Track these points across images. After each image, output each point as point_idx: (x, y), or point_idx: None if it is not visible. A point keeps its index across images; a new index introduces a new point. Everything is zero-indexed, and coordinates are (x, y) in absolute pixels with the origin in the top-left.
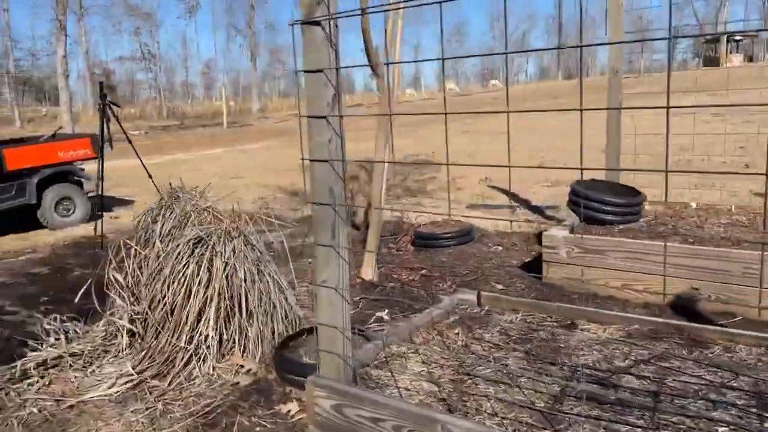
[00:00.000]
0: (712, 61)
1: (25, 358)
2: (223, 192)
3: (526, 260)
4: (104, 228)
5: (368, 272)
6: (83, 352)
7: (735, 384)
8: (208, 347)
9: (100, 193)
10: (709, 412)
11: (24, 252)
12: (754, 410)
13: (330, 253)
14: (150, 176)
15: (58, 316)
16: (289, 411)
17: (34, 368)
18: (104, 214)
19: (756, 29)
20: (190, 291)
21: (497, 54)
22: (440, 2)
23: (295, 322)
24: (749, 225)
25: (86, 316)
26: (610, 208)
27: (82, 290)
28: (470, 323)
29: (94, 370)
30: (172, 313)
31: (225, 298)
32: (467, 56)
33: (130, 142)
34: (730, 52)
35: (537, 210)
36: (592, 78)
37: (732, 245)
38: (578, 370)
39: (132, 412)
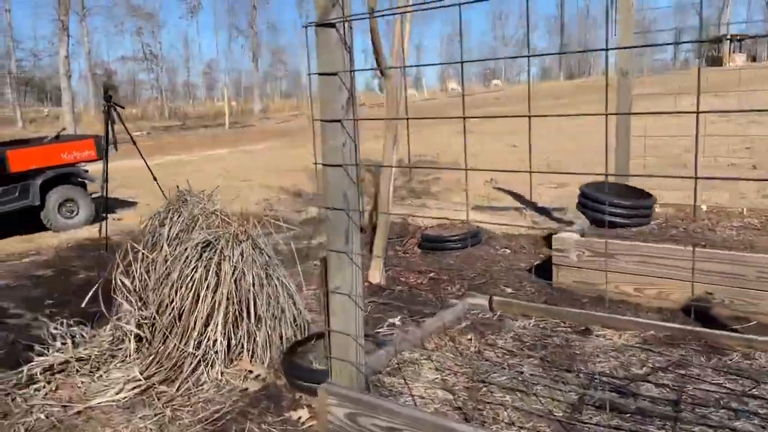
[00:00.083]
0: (715, 61)
1: (32, 363)
2: (227, 193)
3: (535, 263)
4: (108, 230)
5: (376, 275)
6: (90, 356)
7: (756, 392)
8: (216, 352)
9: (104, 194)
10: (731, 421)
11: (28, 254)
12: None
13: (343, 259)
14: (155, 178)
15: (65, 321)
16: (299, 418)
17: (40, 373)
18: (108, 215)
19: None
20: (198, 295)
21: (521, 57)
22: (459, 4)
23: (304, 326)
24: (762, 228)
25: (92, 320)
26: (620, 211)
27: (90, 294)
28: (482, 329)
29: (101, 375)
30: (180, 318)
31: (233, 302)
32: (490, 59)
33: (134, 143)
34: (733, 52)
35: (544, 212)
36: (593, 78)
37: (746, 249)
38: (595, 378)
39: (140, 418)
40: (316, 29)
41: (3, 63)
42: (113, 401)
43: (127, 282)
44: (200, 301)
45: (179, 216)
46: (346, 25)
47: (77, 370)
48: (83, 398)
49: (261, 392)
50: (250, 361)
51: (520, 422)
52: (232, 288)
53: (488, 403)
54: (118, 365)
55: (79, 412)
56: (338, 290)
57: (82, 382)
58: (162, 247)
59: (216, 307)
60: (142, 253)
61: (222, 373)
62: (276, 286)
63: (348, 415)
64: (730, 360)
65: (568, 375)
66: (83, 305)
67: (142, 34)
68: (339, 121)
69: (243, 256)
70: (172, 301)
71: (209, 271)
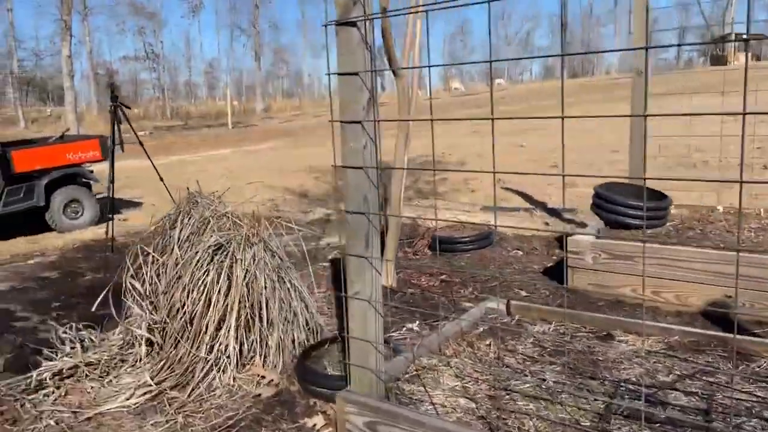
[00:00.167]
0: (718, 60)
1: (41, 368)
2: (231, 193)
3: (548, 265)
4: (114, 230)
5: (387, 278)
6: (100, 361)
7: None
8: (228, 357)
9: (110, 195)
10: (765, 431)
11: (33, 255)
12: None
13: (363, 264)
14: (161, 179)
15: (74, 324)
16: (314, 425)
17: (49, 378)
18: (113, 216)
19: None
20: (210, 299)
21: (551, 56)
22: (488, 1)
23: (316, 330)
24: None
25: (101, 324)
26: (636, 212)
27: (100, 298)
28: (501, 334)
29: (111, 381)
30: (191, 322)
31: (245, 306)
32: (519, 58)
33: (141, 144)
34: (737, 51)
35: (554, 213)
36: (596, 78)
37: (766, 251)
38: (621, 386)
39: (152, 425)
40: (337, 28)
41: (5, 63)
42: (124, 407)
43: (138, 285)
44: (212, 305)
45: (190, 218)
46: (367, 23)
47: (87, 375)
48: (93, 404)
49: (274, 398)
50: (263, 366)
51: None
52: (244, 291)
53: (512, 412)
54: (128, 370)
55: (89, 418)
56: (358, 296)
57: (92, 387)
58: (173, 249)
59: (228, 311)
60: (153, 256)
61: (234, 379)
62: (288, 289)
63: (368, 424)
64: (758, 367)
65: (592, 382)
66: (94, 309)
67: (144, 33)
68: (359, 122)
69: (255, 259)
70: (184, 304)
71: (221, 274)
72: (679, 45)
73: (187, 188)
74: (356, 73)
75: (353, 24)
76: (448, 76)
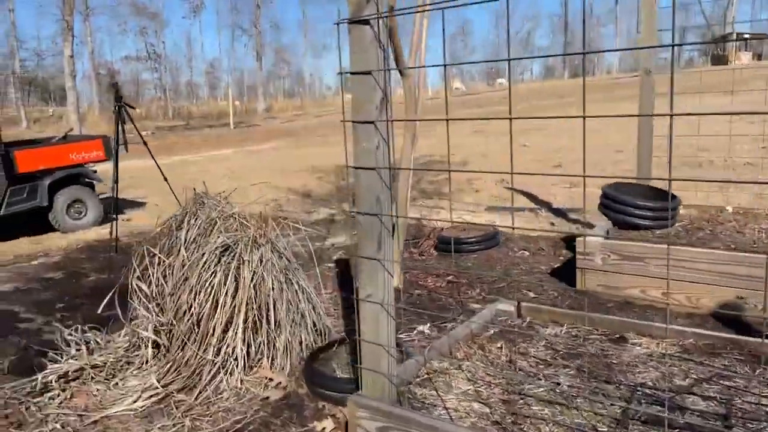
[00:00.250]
0: (720, 60)
1: (46, 371)
2: (236, 194)
3: (555, 266)
4: (118, 231)
5: (393, 279)
6: (105, 363)
7: None
8: (235, 360)
9: (114, 195)
10: None
11: (36, 256)
12: None
13: (376, 267)
14: (165, 179)
15: (79, 326)
16: (324, 429)
17: (55, 381)
18: (117, 216)
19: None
20: (217, 301)
21: (573, 54)
22: None
23: (324, 332)
24: None
25: (107, 325)
26: (645, 213)
27: (106, 299)
28: (512, 336)
29: (117, 383)
30: (198, 324)
31: (252, 308)
32: (540, 56)
33: (145, 144)
34: (738, 50)
35: (559, 213)
36: (598, 77)
37: None
38: (638, 390)
39: (159, 428)
40: (349, 26)
41: (7, 63)
42: (130, 410)
43: (144, 287)
44: (219, 306)
45: (196, 219)
46: (380, 21)
47: (92, 378)
48: (99, 407)
49: (282, 401)
50: (271, 369)
51: None
52: (252, 293)
53: (527, 417)
54: (134, 372)
55: (95, 422)
56: (370, 298)
57: (98, 390)
58: (179, 251)
59: (235, 312)
60: (159, 258)
61: (242, 381)
62: (296, 290)
63: (380, 429)
64: None
65: (608, 386)
66: (99, 311)
67: (146, 33)
68: (372, 122)
69: (262, 261)
70: (191, 306)
71: (228, 276)
72: (693, 43)
73: (194, 189)
74: (369, 72)
75: (366, 22)
76: (449, 76)
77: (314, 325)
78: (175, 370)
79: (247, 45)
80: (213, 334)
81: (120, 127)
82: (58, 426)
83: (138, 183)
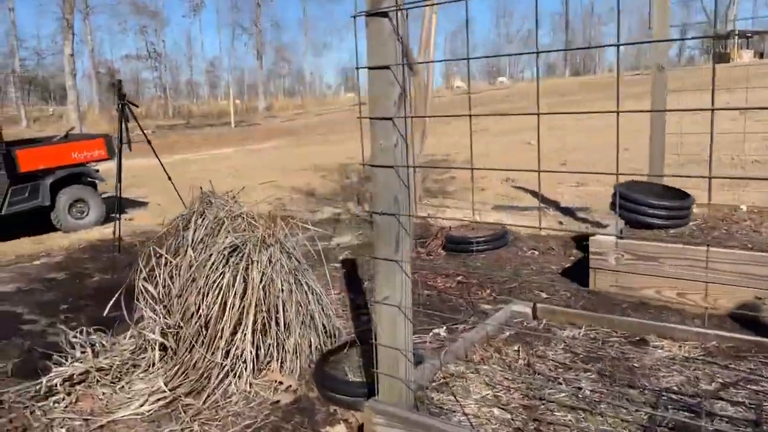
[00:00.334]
0: (721, 57)
1: (51, 374)
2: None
3: (566, 266)
4: (121, 231)
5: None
6: (111, 366)
7: None
8: (244, 362)
9: (118, 194)
10: None
11: (39, 256)
12: None
13: (393, 269)
14: (169, 178)
15: (84, 328)
16: None
17: (60, 384)
18: (120, 216)
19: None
20: (225, 303)
21: (607, 45)
22: None
23: (333, 334)
24: None
25: (112, 327)
26: (658, 212)
27: (112, 301)
28: (529, 339)
29: (123, 387)
30: (206, 326)
31: (261, 310)
32: (561, 50)
33: (149, 142)
34: (740, 48)
35: (567, 212)
36: (599, 76)
37: None
38: (663, 395)
39: None
40: (366, 19)
41: (7, 62)
42: (137, 414)
43: (151, 288)
44: (227, 308)
45: (203, 219)
46: (399, 14)
47: (98, 381)
48: (105, 411)
49: (293, 405)
50: (280, 372)
51: None
52: (261, 294)
53: (550, 423)
54: (141, 375)
55: (101, 426)
56: (386, 301)
57: (104, 394)
58: (186, 251)
59: (244, 314)
60: (166, 258)
61: (251, 385)
62: (305, 291)
63: None
64: None
65: (631, 391)
66: (105, 313)
67: (146, 32)
68: (390, 119)
69: (271, 261)
70: (198, 308)
71: (237, 276)
72: (709, 37)
73: (200, 188)
74: (387, 67)
75: (385, 14)
76: (450, 75)
77: (324, 326)
78: (183, 373)
79: (248, 44)
80: (221, 337)
81: (123, 126)
82: (63, 431)
83: (140, 182)
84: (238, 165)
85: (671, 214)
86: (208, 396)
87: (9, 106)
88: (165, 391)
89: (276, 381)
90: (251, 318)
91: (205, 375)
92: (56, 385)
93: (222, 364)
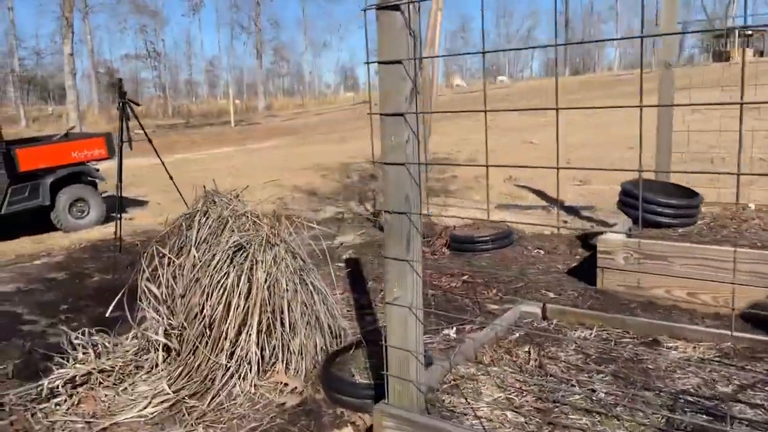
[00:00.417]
0: (721, 56)
1: (52, 376)
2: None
3: (573, 265)
4: (121, 230)
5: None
6: (114, 368)
7: None
8: (249, 364)
9: (118, 194)
10: None
11: (39, 255)
12: None
13: (404, 268)
14: (171, 177)
15: (86, 329)
16: None
17: (61, 386)
18: (121, 215)
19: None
20: (230, 303)
21: (632, 37)
22: None
23: (339, 334)
24: None
25: (114, 328)
26: (667, 210)
27: (115, 301)
28: (539, 340)
29: (126, 388)
30: (210, 327)
31: (266, 310)
32: (579, 42)
33: (150, 141)
34: (740, 47)
35: (571, 210)
36: (599, 74)
37: None
38: (680, 398)
39: None
40: (377, 12)
41: (6, 61)
42: (141, 417)
43: (154, 288)
44: (232, 309)
45: (207, 218)
46: (411, 7)
47: (100, 383)
48: (108, 413)
49: (299, 407)
50: (285, 373)
51: None
52: (266, 295)
53: (565, 427)
54: (144, 377)
55: (104, 429)
56: (397, 302)
57: (106, 396)
58: (189, 251)
59: (249, 315)
60: (169, 258)
61: (256, 386)
62: (311, 291)
63: None
64: None
65: (647, 394)
66: (108, 314)
67: (146, 31)
68: (402, 114)
69: (276, 261)
70: (202, 309)
71: (241, 276)
72: (725, 29)
73: (204, 186)
74: (399, 61)
75: (396, 8)
76: (450, 73)
77: (329, 327)
78: (187, 374)
79: (247, 43)
80: (226, 338)
81: (124, 125)
82: None
83: (140, 181)
84: (239, 164)
85: (680, 212)
86: (213, 398)
87: (8, 106)
88: (169, 393)
89: (281, 383)
90: (256, 319)
91: (209, 377)
92: (58, 387)
93: (226, 365)
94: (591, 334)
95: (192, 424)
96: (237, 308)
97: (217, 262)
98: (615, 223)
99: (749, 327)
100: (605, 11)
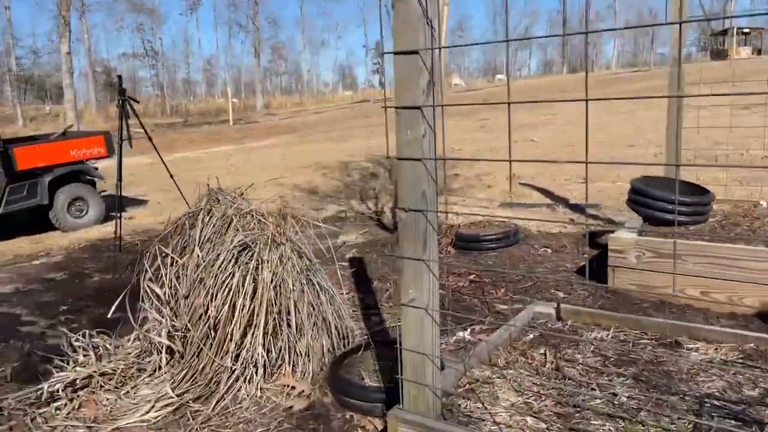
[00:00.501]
0: (719, 54)
1: (53, 379)
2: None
3: (581, 264)
4: (121, 229)
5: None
6: (115, 371)
7: None
8: (255, 366)
9: (118, 192)
10: None
11: (38, 255)
12: None
13: (420, 268)
14: (172, 176)
15: (87, 331)
16: None
17: (62, 390)
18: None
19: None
20: (235, 304)
21: (662, 24)
22: None
23: (346, 335)
24: None
25: (115, 329)
26: (678, 208)
27: (117, 302)
28: (555, 341)
29: (128, 392)
30: (214, 329)
31: (272, 311)
32: (609, 29)
33: (150, 139)
34: (738, 45)
35: (577, 208)
36: (597, 72)
37: None
38: (705, 402)
39: None
40: (394, 0)
41: (3, 61)
42: (143, 421)
43: (157, 289)
44: (237, 310)
45: (210, 217)
46: None
47: (102, 386)
48: (110, 418)
49: (307, 411)
50: (292, 376)
51: None
52: (272, 295)
53: None
54: (146, 380)
55: None
56: (413, 303)
57: (108, 400)
58: (193, 250)
59: (254, 316)
60: (172, 258)
61: (262, 390)
62: (318, 292)
63: None
64: None
65: (671, 398)
66: (110, 315)
67: (143, 30)
68: (419, 108)
69: (282, 261)
70: (207, 310)
71: (246, 277)
72: (741, 15)
73: (207, 185)
74: (416, 52)
75: None
76: (447, 72)
77: (336, 328)
78: (191, 377)
79: (245, 41)
80: (231, 340)
81: (124, 122)
82: None
83: (138, 180)
84: (238, 163)
85: (692, 210)
86: (218, 402)
87: (5, 105)
88: (172, 397)
89: (288, 386)
90: (262, 320)
91: (214, 380)
92: (58, 391)
93: (232, 368)
94: (608, 335)
95: (196, 429)
96: (242, 309)
97: (222, 262)
98: (621, 221)
99: (766, 327)
100: (603, 10)
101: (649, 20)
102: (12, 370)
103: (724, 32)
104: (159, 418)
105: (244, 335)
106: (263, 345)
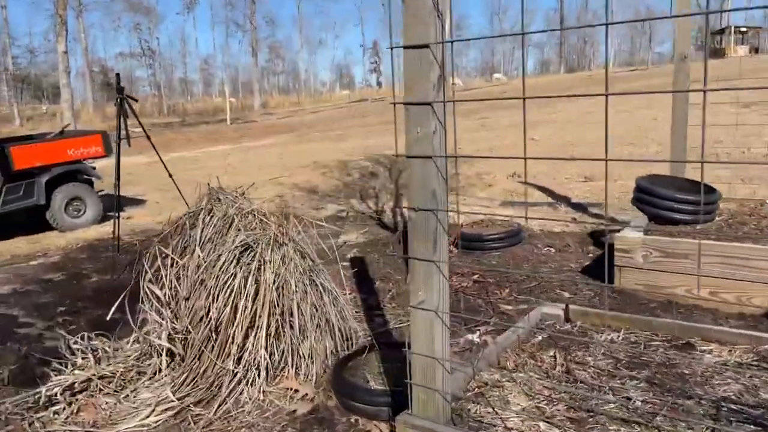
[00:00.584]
0: (716, 53)
1: (51, 382)
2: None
3: (586, 263)
4: (119, 229)
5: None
6: (115, 374)
7: None
8: (257, 369)
9: (116, 192)
10: None
11: (35, 256)
12: None
13: (430, 270)
14: (170, 176)
15: (85, 333)
16: None
17: (60, 393)
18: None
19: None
20: (236, 306)
21: (684, 16)
22: None
23: (350, 337)
24: None
25: (114, 331)
26: (684, 207)
27: (117, 303)
28: (564, 343)
29: (128, 396)
30: (216, 331)
31: (275, 313)
32: (627, 21)
33: (148, 138)
34: (735, 44)
35: (579, 207)
36: (595, 71)
37: None
38: (722, 406)
39: None
40: None
41: None
42: (143, 426)
43: (157, 290)
44: (239, 311)
45: (211, 216)
46: None
47: (101, 390)
48: (109, 422)
49: (311, 415)
50: (295, 379)
51: None
52: (274, 297)
53: None
54: (146, 384)
55: None
56: (423, 306)
57: (107, 404)
58: (194, 251)
59: (257, 318)
60: (172, 258)
61: (264, 393)
62: (321, 293)
63: None
64: None
65: (687, 402)
66: (108, 317)
67: (140, 29)
68: (429, 104)
69: (284, 261)
70: (208, 311)
71: (248, 278)
72: (760, 7)
73: (208, 184)
74: (427, 46)
75: None
76: (447, 72)
77: (340, 330)
78: (192, 381)
79: (242, 41)
80: (233, 342)
81: (122, 121)
82: None
83: (136, 180)
84: (236, 162)
85: (698, 209)
86: (220, 405)
87: (2, 105)
88: (173, 401)
89: (291, 389)
90: (264, 321)
91: (215, 383)
92: (56, 395)
93: (234, 370)
94: (618, 336)
95: None
96: (244, 311)
97: (223, 263)
98: (625, 220)
99: None
100: (601, 9)
101: (647, 15)
102: (9, 373)
103: (722, 31)
104: (159, 422)
105: (246, 337)
106: (266, 347)
